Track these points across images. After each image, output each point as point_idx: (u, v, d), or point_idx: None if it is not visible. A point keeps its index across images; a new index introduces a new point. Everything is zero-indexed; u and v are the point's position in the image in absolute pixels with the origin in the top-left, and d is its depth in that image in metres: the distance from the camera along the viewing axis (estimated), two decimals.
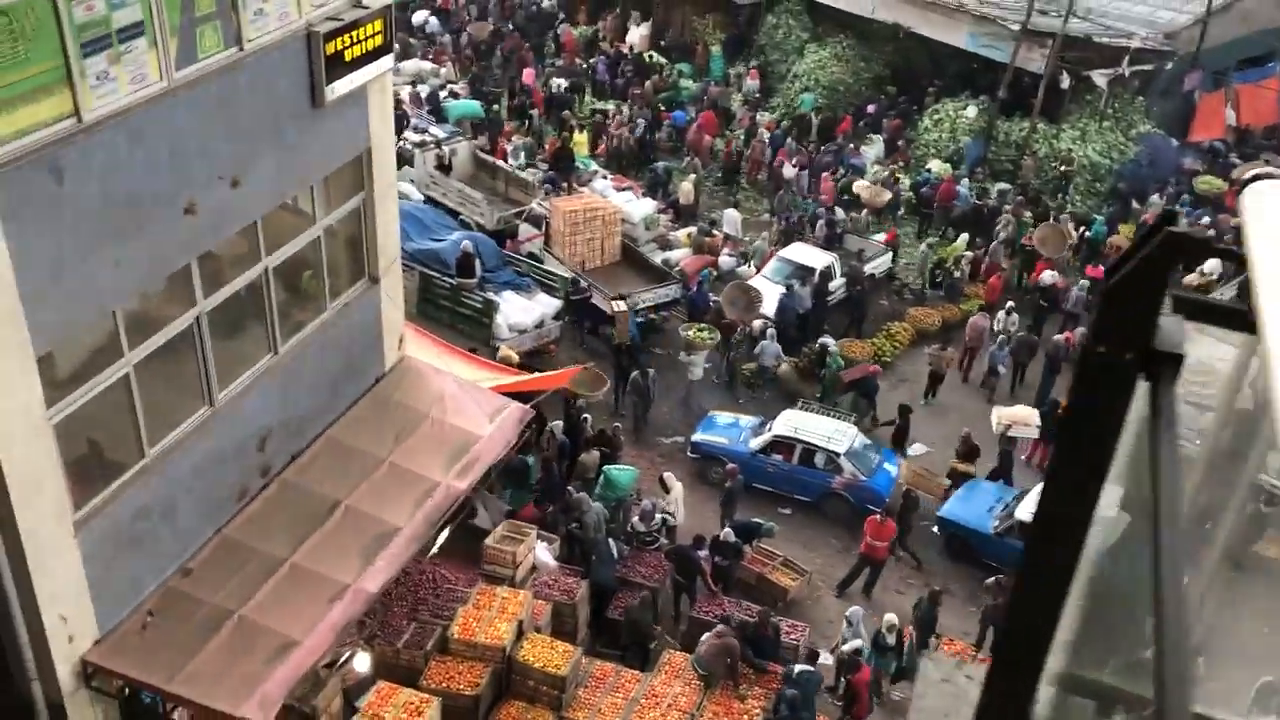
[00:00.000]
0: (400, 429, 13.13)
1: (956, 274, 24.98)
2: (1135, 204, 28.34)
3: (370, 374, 13.49)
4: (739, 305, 21.58)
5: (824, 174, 28.41)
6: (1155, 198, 28.28)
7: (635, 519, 16.23)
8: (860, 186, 27.01)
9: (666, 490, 16.90)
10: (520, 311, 20.71)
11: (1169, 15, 32.27)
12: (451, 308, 20.65)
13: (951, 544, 17.94)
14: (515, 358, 18.86)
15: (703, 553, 15.85)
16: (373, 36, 11.71)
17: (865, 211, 27.31)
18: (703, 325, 21.59)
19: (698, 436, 19.37)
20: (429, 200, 25.46)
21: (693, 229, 26.20)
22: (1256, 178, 2.53)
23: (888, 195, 26.98)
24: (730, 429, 19.43)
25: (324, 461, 12.41)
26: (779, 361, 21.50)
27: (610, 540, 15.28)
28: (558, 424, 18.47)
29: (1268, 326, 2.14)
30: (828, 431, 18.61)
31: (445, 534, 12.93)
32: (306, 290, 12.36)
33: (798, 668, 13.54)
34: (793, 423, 18.86)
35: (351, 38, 11.38)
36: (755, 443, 18.62)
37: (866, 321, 24.00)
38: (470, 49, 35.61)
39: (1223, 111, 31.91)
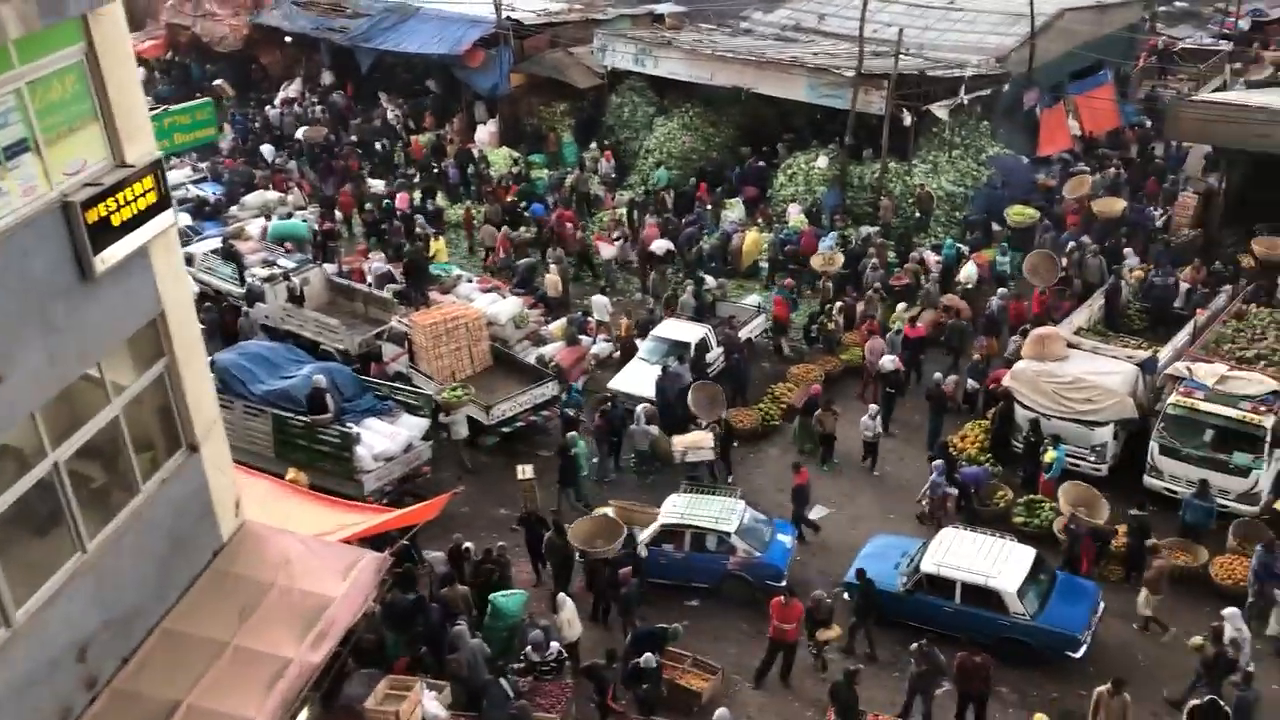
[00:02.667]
0: (244, 604, 11.99)
1: (831, 326, 24.71)
2: (996, 226, 28.63)
3: (205, 549, 12.36)
4: (703, 405, 21.08)
5: (688, 246, 28.12)
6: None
7: (529, 649, 15.19)
8: (816, 258, 26.53)
9: (557, 610, 15.95)
10: (384, 439, 19.71)
11: (996, 39, 33.15)
12: (309, 446, 19.58)
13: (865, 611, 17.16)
14: (304, 478, 17.95)
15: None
16: (144, 195, 10.84)
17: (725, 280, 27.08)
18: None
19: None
20: (286, 335, 24.45)
21: (563, 321, 25.59)
22: None
23: (841, 259, 26.41)
24: None
25: (160, 658, 11.21)
26: (649, 441, 20.79)
27: (502, 680, 14.19)
28: (438, 555, 17.45)
29: None
30: (715, 512, 17.92)
31: (305, 714, 11.78)
32: (115, 472, 11.29)
33: None
34: (678, 509, 18.14)
35: (117, 200, 10.48)
36: (643, 536, 17.82)
37: (749, 388, 23.52)
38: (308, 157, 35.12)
39: (1066, 124, 32.62)
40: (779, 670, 16.25)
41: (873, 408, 21.11)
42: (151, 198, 10.94)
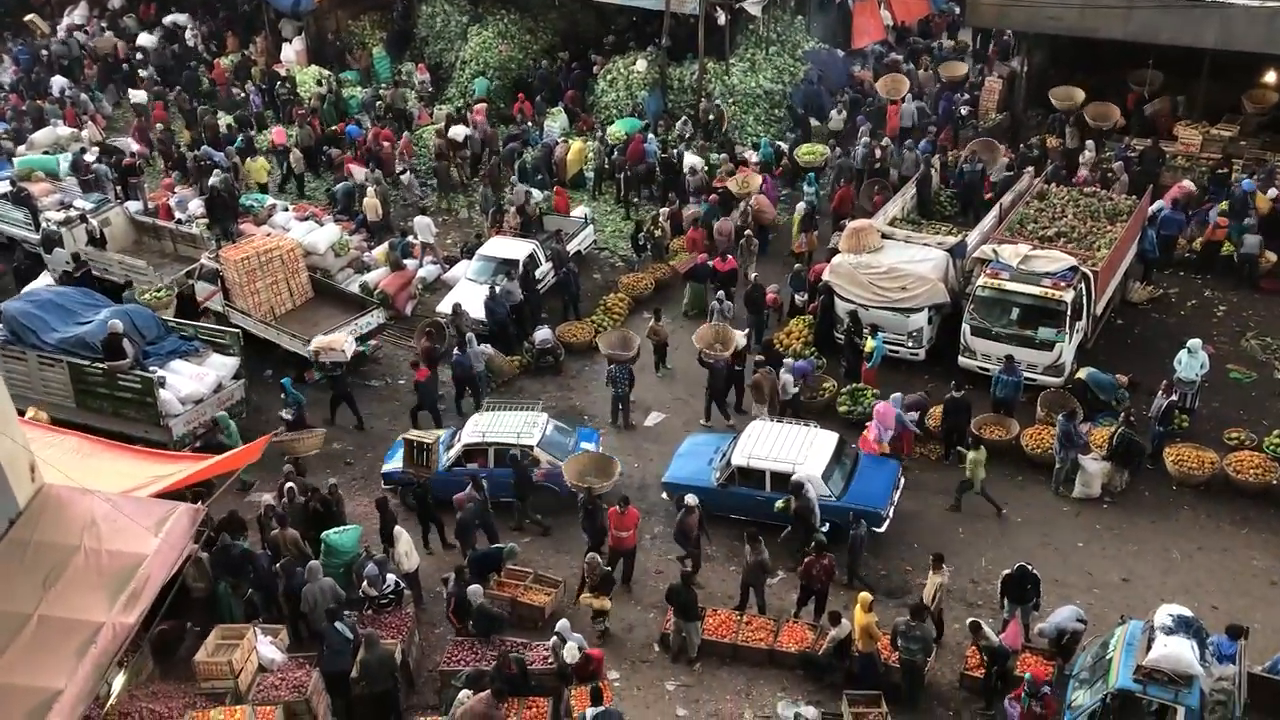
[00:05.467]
0: (48, 572, 11.49)
1: (658, 233, 24.74)
2: (815, 121, 28.98)
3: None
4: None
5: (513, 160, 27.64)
6: (834, 112, 29.01)
7: (365, 585, 15.01)
8: (732, 181, 25.58)
9: (393, 543, 15.77)
10: (191, 381, 18.94)
11: None
12: (110, 394, 18.66)
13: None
14: (44, 415, 17.15)
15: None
16: None
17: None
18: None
19: (387, 466, 18.36)
20: (93, 280, 23.01)
21: (386, 245, 24.89)
22: None
23: (758, 180, 25.55)
24: None
25: None
26: (481, 361, 20.56)
27: (338, 624, 13.95)
28: (268, 497, 17.00)
29: None
30: (517, 427, 17.96)
31: (122, 677, 11.42)
32: None
33: (590, 712, 12.77)
34: (480, 428, 18.09)
35: None
36: (449, 457, 17.76)
37: (581, 301, 23.45)
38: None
39: (878, 15, 32.97)
40: (620, 576, 16.51)
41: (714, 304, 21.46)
42: None
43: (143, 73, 34.44)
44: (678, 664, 15.19)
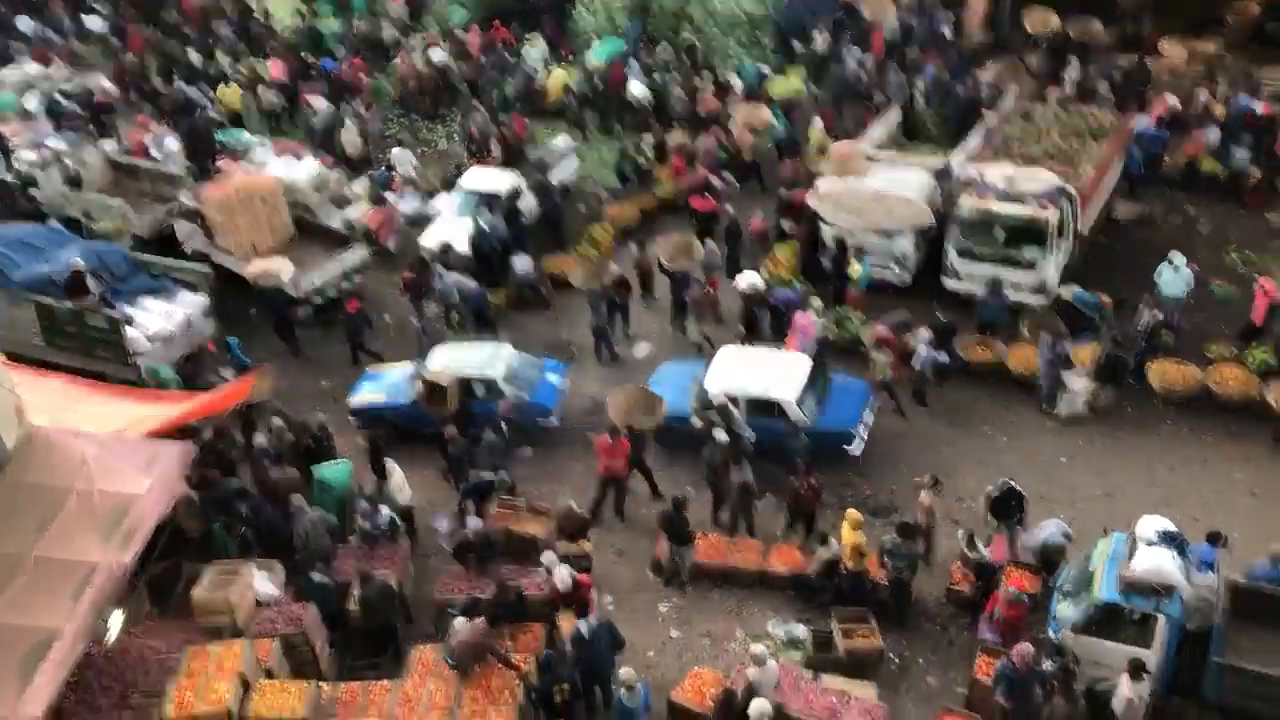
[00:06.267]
0: (42, 516, 11.56)
1: (642, 161, 24.52)
2: (800, 46, 28.57)
3: None
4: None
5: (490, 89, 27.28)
6: (817, 35, 28.57)
7: (360, 519, 15.12)
8: (741, 112, 24.95)
9: (386, 477, 15.86)
10: (161, 319, 18.88)
11: None
12: (78, 333, 18.53)
13: (665, 440, 17.57)
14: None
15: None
16: None
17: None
18: None
19: (353, 400, 18.38)
20: (68, 222, 22.77)
21: (367, 180, 24.62)
22: None
23: (765, 112, 24.96)
24: (387, 383, 18.49)
25: None
26: (457, 294, 20.49)
27: (313, 575, 13.91)
28: (260, 436, 17.03)
29: None
30: (480, 360, 17.97)
31: (119, 615, 11.54)
32: None
33: (582, 624, 12.94)
34: (443, 360, 18.09)
35: None
36: (413, 391, 17.80)
37: (566, 232, 23.31)
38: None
39: None
40: (613, 506, 16.67)
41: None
42: None
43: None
44: (670, 587, 15.42)
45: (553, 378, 18.49)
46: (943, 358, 18.09)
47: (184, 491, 13.68)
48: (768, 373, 17.15)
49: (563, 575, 13.70)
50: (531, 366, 18.51)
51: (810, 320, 18.40)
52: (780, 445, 16.36)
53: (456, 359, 18.13)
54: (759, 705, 11.79)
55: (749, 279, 19.78)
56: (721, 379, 17.12)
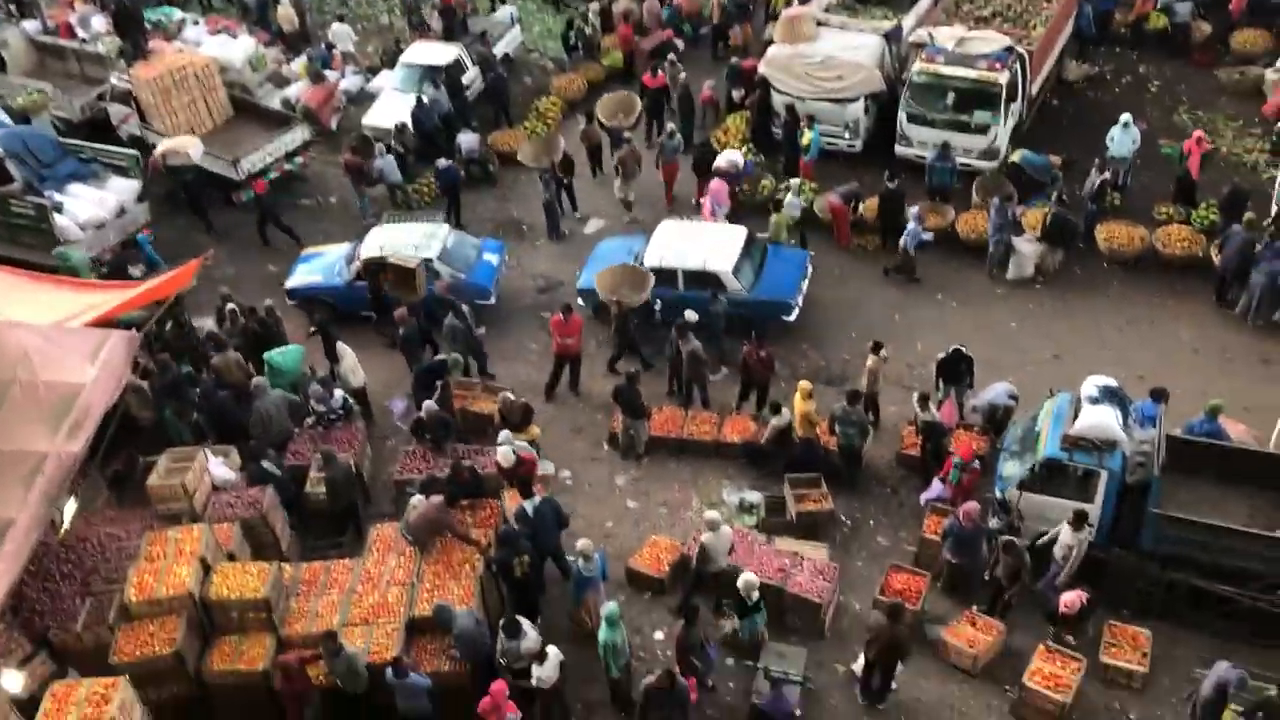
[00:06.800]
0: None
1: (588, 30, 23.90)
2: None
3: None
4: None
5: None
6: None
7: (313, 402, 15.08)
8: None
9: (338, 359, 15.76)
10: (92, 205, 18.39)
11: None
12: (3, 220, 18.06)
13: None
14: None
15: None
16: None
17: None
18: None
19: (290, 282, 18.20)
20: None
21: (305, 57, 23.86)
22: None
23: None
24: (323, 264, 18.31)
25: None
26: (397, 173, 20.23)
27: (264, 463, 13.97)
28: (207, 322, 16.84)
29: None
30: (416, 241, 17.73)
31: (72, 504, 11.52)
32: None
33: (528, 504, 13.07)
34: (378, 241, 17.84)
35: None
36: (349, 272, 17.65)
37: (513, 106, 22.81)
38: None
39: None
40: (568, 382, 16.74)
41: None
42: None
43: None
44: (626, 460, 15.62)
45: (490, 257, 18.32)
46: (927, 235, 18.08)
47: (132, 380, 13.52)
48: (704, 245, 17.14)
49: (505, 453, 13.77)
50: (469, 246, 18.29)
51: (721, 185, 18.30)
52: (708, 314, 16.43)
53: (392, 240, 17.84)
54: (747, 578, 12.02)
55: (729, 157, 19.56)
56: (659, 252, 17.08)
